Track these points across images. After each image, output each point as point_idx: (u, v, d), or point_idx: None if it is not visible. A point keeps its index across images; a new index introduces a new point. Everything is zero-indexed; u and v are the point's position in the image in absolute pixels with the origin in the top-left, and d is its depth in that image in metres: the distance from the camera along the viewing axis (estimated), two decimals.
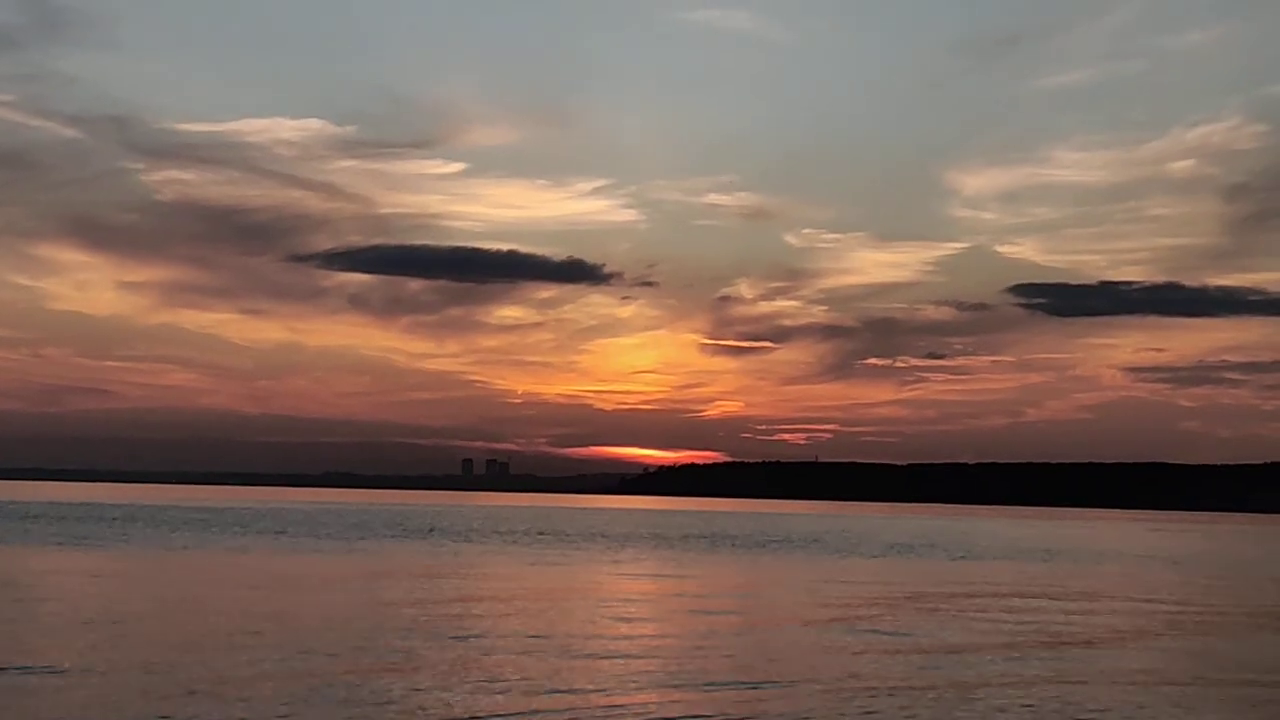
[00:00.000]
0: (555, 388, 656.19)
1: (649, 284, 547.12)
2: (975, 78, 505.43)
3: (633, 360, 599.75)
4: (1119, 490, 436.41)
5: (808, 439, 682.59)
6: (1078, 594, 55.07)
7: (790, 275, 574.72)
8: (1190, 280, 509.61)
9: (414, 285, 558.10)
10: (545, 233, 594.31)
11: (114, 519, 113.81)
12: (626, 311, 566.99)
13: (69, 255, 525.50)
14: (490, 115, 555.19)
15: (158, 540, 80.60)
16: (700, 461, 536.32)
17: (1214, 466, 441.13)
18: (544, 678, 26.51)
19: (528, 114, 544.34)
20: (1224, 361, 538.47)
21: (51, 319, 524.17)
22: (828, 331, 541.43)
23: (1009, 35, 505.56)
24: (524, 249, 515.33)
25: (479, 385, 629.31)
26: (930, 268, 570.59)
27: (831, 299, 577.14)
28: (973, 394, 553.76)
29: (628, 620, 39.76)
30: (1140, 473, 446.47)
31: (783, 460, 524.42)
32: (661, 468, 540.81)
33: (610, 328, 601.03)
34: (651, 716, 22.90)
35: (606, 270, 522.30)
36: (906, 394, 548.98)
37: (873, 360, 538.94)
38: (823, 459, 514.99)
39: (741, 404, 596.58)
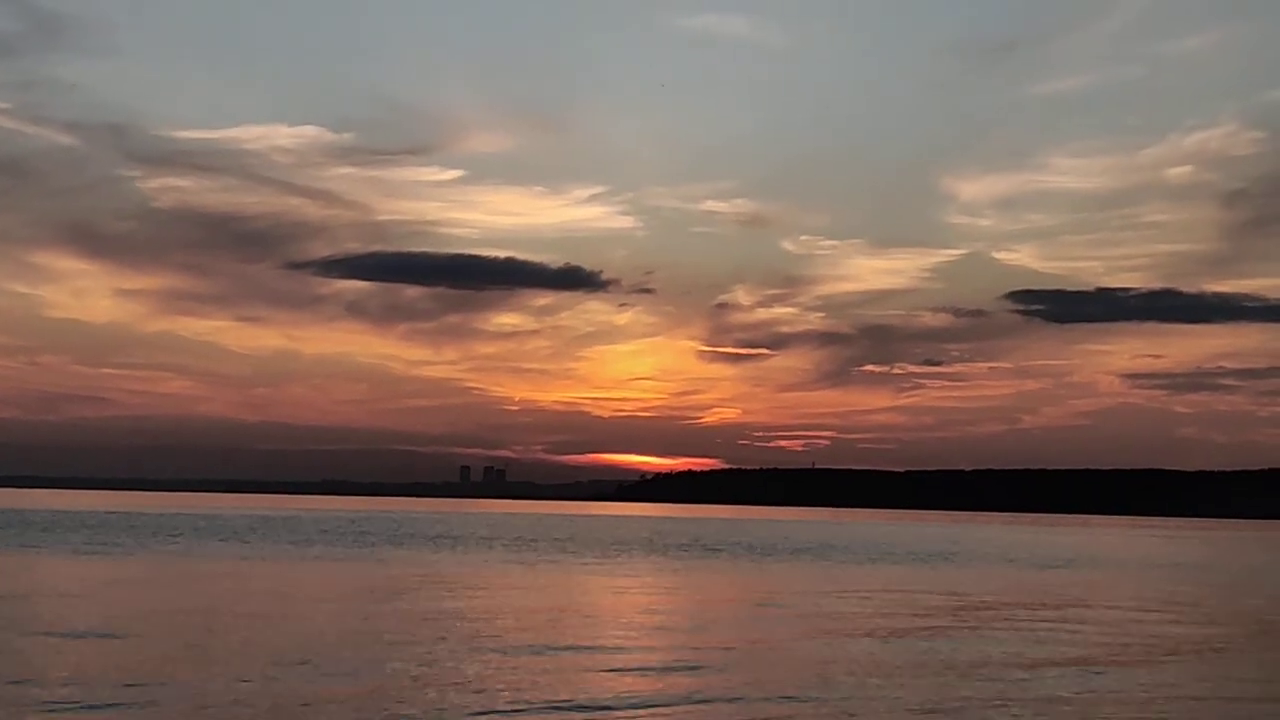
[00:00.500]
0: (552, 395, 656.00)
1: (646, 291, 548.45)
2: (972, 84, 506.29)
3: (630, 367, 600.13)
4: (1116, 497, 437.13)
5: (805, 446, 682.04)
6: (1130, 603, 55.51)
7: (787, 282, 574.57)
8: (1187, 287, 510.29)
9: (411, 292, 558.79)
10: (542, 240, 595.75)
11: (158, 530, 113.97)
12: (624, 318, 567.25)
13: (66, 263, 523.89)
14: (487, 122, 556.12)
15: (229, 552, 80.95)
16: (698, 468, 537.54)
17: (1210, 473, 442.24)
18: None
19: (525, 121, 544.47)
20: (1221, 368, 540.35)
21: (48, 326, 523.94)
22: (825, 338, 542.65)
23: (1006, 41, 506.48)
24: (521, 256, 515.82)
25: (476, 392, 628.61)
26: (927, 274, 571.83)
27: (828, 306, 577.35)
28: (970, 401, 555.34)
29: (754, 635, 40.12)
30: (1137, 479, 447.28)
31: (780, 467, 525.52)
32: (659, 475, 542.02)
33: (607, 335, 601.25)
34: None
35: (604, 277, 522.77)
36: (904, 401, 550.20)
37: (870, 367, 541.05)
38: (820, 466, 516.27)
39: (739, 411, 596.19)
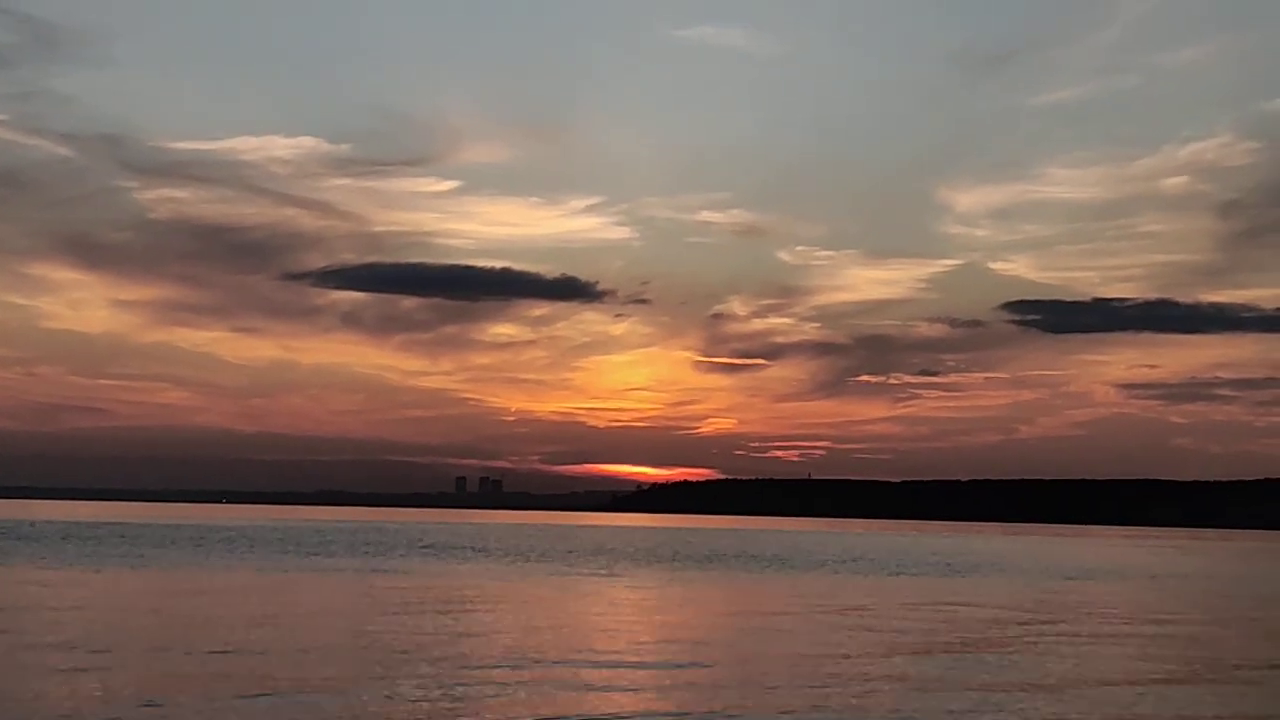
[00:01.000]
0: (548, 405, 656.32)
1: (642, 301, 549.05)
2: (968, 94, 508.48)
3: (626, 377, 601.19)
4: (1111, 507, 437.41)
5: (801, 456, 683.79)
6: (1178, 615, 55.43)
7: (783, 292, 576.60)
8: (1183, 297, 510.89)
9: (407, 303, 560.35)
10: (538, 250, 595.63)
11: (155, 540, 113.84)
12: (619, 329, 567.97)
13: (62, 274, 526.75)
14: (483, 133, 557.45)
15: (222, 564, 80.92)
16: (693, 479, 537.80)
17: (1206, 483, 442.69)
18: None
19: (521, 131, 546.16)
20: (1216, 378, 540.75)
21: (45, 337, 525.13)
22: (821, 348, 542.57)
23: (1002, 52, 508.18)
24: (517, 266, 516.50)
25: (472, 403, 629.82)
26: (923, 285, 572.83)
27: (824, 316, 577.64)
28: (966, 411, 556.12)
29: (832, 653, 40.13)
30: (1133, 489, 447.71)
31: (776, 477, 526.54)
32: (655, 485, 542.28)
33: (603, 345, 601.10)
34: None
35: (599, 288, 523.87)
36: (899, 411, 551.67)
37: (866, 377, 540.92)
38: (816, 476, 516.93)
39: (734, 421, 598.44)
